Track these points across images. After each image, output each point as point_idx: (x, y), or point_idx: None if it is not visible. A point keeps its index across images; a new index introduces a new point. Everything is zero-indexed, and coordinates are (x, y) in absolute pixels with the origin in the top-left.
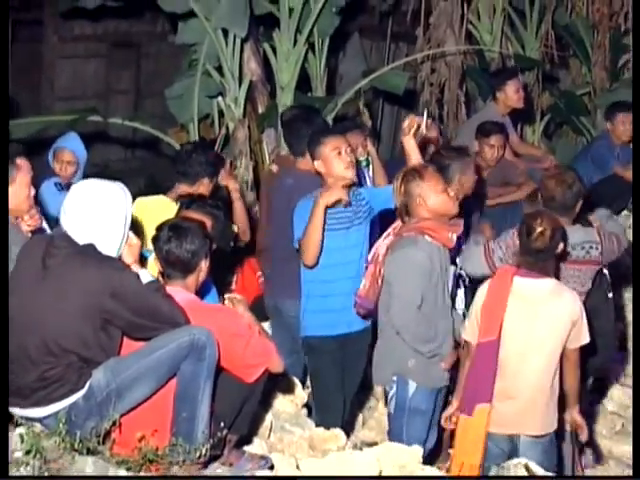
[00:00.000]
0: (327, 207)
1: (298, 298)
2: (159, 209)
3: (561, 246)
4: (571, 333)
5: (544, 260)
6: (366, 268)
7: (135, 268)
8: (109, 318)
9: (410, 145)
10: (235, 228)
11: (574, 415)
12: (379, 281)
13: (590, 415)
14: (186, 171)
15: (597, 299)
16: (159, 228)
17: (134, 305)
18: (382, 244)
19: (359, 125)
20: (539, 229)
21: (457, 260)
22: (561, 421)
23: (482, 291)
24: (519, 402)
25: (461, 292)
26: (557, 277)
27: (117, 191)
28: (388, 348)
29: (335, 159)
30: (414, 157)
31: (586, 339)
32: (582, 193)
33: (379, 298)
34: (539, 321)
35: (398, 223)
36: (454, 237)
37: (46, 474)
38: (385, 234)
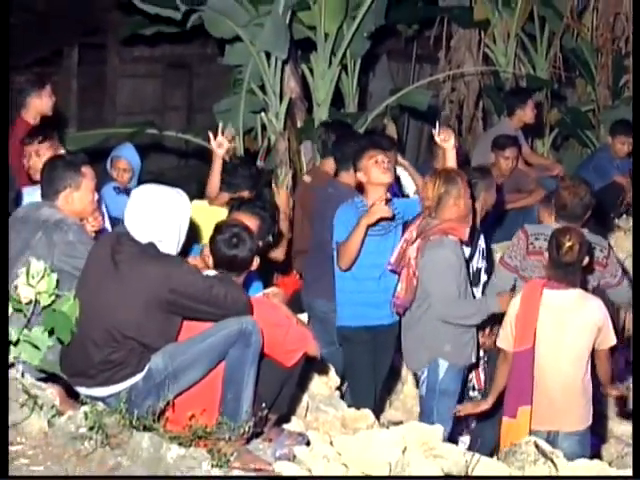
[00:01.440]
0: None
1: (328, 297)
2: (205, 213)
3: (587, 259)
4: (598, 338)
5: (573, 273)
6: (396, 273)
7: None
8: (172, 309)
9: (452, 155)
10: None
11: (609, 391)
12: (414, 281)
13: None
14: (230, 182)
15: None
16: (217, 231)
17: (195, 296)
18: (411, 248)
19: (387, 137)
20: (568, 244)
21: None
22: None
23: (515, 302)
24: (554, 402)
25: (477, 291)
26: (583, 287)
27: (175, 196)
28: (423, 337)
29: (373, 167)
30: (453, 164)
31: (613, 341)
32: (592, 205)
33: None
34: (567, 329)
35: (416, 224)
36: (467, 231)
37: (107, 448)
38: (407, 235)
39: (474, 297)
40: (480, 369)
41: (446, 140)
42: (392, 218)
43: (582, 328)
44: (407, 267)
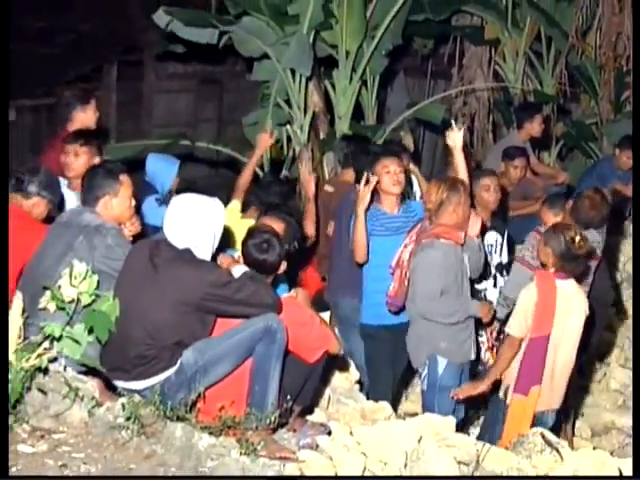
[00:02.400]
0: (366, 211)
1: (353, 296)
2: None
3: None
4: None
5: (583, 265)
6: (392, 274)
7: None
8: (205, 310)
9: (461, 158)
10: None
11: None
12: (405, 282)
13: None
14: (262, 199)
15: (599, 289)
16: (249, 236)
17: (226, 298)
18: (405, 250)
19: (403, 147)
20: (578, 238)
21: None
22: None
23: (529, 293)
24: (552, 384)
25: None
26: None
27: (210, 204)
28: (420, 335)
29: (385, 176)
30: (462, 171)
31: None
32: (607, 217)
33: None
34: (570, 315)
35: (416, 229)
36: (462, 235)
37: (143, 437)
38: (407, 240)
39: (482, 292)
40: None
41: (455, 140)
42: (400, 216)
43: (580, 314)
44: (400, 268)
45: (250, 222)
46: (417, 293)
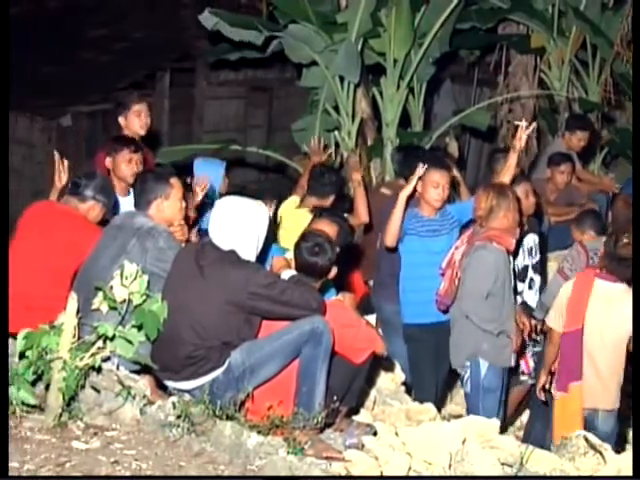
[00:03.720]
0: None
1: (394, 301)
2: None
3: None
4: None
5: (625, 267)
6: (442, 274)
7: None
8: (251, 311)
9: (515, 160)
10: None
11: None
12: (456, 282)
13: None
14: (316, 188)
15: None
16: (302, 238)
17: (271, 299)
18: (457, 252)
19: (448, 154)
20: (626, 240)
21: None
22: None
23: (567, 288)
24: (596, 382)
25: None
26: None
27: (254, 207)
28: (462, 336)
29: (431, 188)
30: (510, 173)
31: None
32: None
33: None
34: (612, 318)
35: (468, 232)
36: (514, 241)
37: (193, 435)
38: (458, 242)
39: (519, 294)
40: (529, 355)
41: (523, 141)
42: (437, 219)
43: (625, 318)
44: (451, 268)
45: (304, 212)
46: (463, 290)
